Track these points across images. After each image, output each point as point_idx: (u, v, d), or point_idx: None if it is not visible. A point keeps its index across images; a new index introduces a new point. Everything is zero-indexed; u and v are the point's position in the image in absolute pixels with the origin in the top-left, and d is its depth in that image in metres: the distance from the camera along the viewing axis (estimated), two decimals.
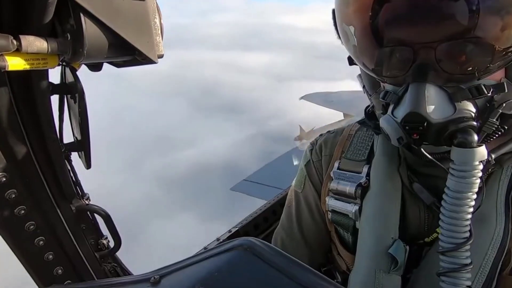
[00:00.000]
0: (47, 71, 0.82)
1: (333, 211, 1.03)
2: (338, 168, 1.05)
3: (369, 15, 0.77)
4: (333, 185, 1.03)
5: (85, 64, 0.80)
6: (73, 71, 0.86)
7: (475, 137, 0.70)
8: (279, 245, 1.19)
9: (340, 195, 1.01)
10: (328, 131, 1.23)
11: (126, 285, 0.71)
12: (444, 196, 0.73)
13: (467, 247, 0.71)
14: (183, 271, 0.66)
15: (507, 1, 0.69)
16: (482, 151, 0.69)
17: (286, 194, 1.27)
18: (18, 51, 0.60)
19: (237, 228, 1.99)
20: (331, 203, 1.03)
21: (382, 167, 0.96)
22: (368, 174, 0.98)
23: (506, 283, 0.77)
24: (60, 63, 0.68)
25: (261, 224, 2.11)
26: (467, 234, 0.71)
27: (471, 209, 0.71)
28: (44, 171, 0.94)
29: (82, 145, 0.97)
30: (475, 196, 0.71)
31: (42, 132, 0.89)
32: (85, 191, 1.06)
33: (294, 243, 1.15)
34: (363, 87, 0.95)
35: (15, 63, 0.60)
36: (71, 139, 1.02)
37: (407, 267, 0.87)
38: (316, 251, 1.14)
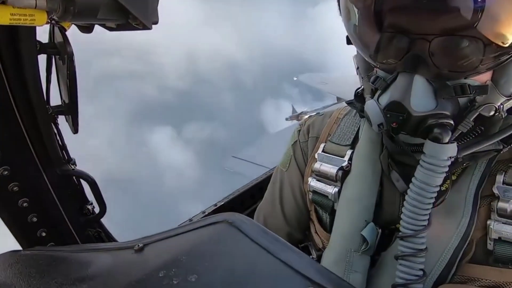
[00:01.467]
0: (34, 29, 0.78)
1: (314, 192, 1.07)
2: (323, 151, 1.09)
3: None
4: (316, 166, 1.06)
5: (75, 24, 0.76)
6: (63, 31, 0.82)
7: (449, 134, 0.74)
8: (261, 220, 1.24)
9: (322, 177, 1.05)
10: (317, 113, 1.26)
11: (110, 251, 0.72)
12: (410, 185, 0.77)
13: (424, 234, 0.77)
14: (167, 241, 0.67)
15: (505, 4, 0.69)
16: (452, 148, 0.74)
17: (272, 174, 1.29)
18: (3, 4, 0.57)
19: (223, 203, 2.02)
20: (313, 184, 1.07)
21: (365, 153, 1.00)
22: (350, 159, 1.02)
23: (465, 270, 0.82)
24: (49, 21, 0.65)
25: (247, 200, 2.14)
26: (426, 223, 0.77)
27: (433, 200, 0.76)
28: (30, 133, 0.92)
29: (70, 109, 0.95)
30: (438, 188, 0.75)
31: (29, 93, 0.86)
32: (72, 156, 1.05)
33: (275, 219, 1.20)
34: (357, 68, 0.96)
35: (0, 17, 0.57)
36: (59, 102, 0.99)
37: (377, 249, 0.92)
38: (295, 229, 1.20)
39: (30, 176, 0.96)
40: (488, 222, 0.80)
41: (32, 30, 0.78)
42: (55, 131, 0.99)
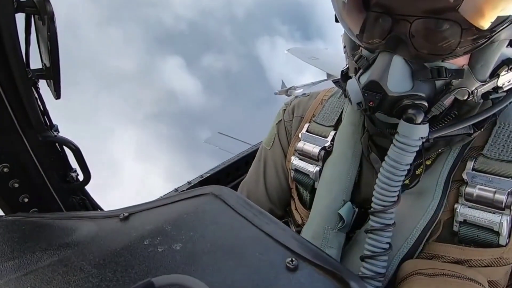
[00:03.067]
0: None
1: (296, 170, 1.10)
2: (307, 130, 1.11)
3: None
4: (300, 145, 1.09)
5: None
6: None
7: (422, 115, 0.76)
8: (244, 195, 1.28)
9: (305, 156, 1.08)
10: (304, 94, 1.28)
11: (95, 219, 0.72)
12: (383, 163, 0.82)
13: (393, 210, 0.82)
14: (152, 211, 0.68)
15: None
16: (424, 129, 0.77)
17: (259, 147, 1.31)
18: None
19: (209, 174, 2.04)
20: (295, 162, 1.10)
21: (347, 135, 1.03)
22: (333, 140, 1.05)
23: (430, 247, 0.88)
24: None
25: (232, 173, 2.17)
26: (395, 199, 0.82)
27: (402, 178, 0.80)
28: (9, 96, 0.88)
29: (51, 72, 0.91)
30: (408, 167, 0.80)
31: (6, 54, 0.82)
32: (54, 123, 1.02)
33: (258, 196, 1.24)
34: (344, 47, 0.96)
35: None
36: (39, 66, 0.95)
37: (353, 227, 0.97)
38: (276, 205, 1.24)
39: (10, 141, 0.93)
40: (456, 205, 0.85)
41: None
42: (36, 96, 0.96)
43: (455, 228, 0.85)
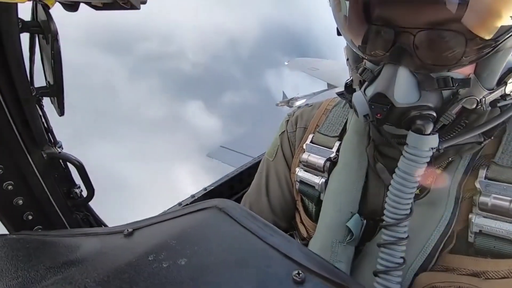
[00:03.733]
0: (16, 6, 0.75)
1: (301, 182, 1.09)
2: (311, 142, 1.10)
3: None
4: (304, 157, 1.08)
5: (59, 2, 0.73)
6: (46, 9, 0.79)
7: (431, 126, 0.76)
8: (247, 207, 1.25)
9: (310, 167, 1.07)
10: (306, 104, 1.27)
11: (99, 235, 0.72)
12: (393, 175, 0.80)
13: (406, 223, 0.80)
14: (157, 226, 0.67)
15: (488, 0, 0.70)
16: (434, 140, 0.76)
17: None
18: None
19: (212, 187, 2.02)
20: (300, 174, 1.08)
21: (352, 145, 1.02)
22: (338, 150, 1.04)
23: (445, 259, 0.86)
24: None
25: (236, 185, 2.16)
26: (408, 211, 0.80)
27: (414, 190, 0.78)
28: (13, 114, 0.89)
29: (55, 90, 0.92)
30: (419, 178, 0.78)
31: (11, 73, 0.83)
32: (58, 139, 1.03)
33: (261, 208, 1.22)
34: (347, 60, 0.96)
35: None
36: (43, 84, 0.96)
37: (362, 240, 0.95)
38: (280, 218, 1.22)
39: (15, 158, 0.94)
40: (470, 216, 0.83)
41: (13, 7, 0.75)
42: (40, 113, 0.97)
43: (470, 239, 0.82)
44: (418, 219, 0.86)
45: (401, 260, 0.81)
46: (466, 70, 0.78)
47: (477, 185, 0.83)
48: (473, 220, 0.82)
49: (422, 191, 0.89)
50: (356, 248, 0.95)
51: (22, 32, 0.82)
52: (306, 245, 1.05)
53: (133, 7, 0.69)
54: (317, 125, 1.14)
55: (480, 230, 0.81)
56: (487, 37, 0.72)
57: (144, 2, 0.71)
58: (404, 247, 0.81)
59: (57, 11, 0.74)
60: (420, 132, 0.75)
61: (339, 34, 0.90)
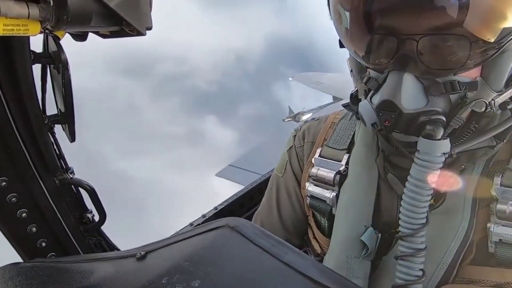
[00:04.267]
0: (28, 38, 0.78)
1: (312, 197, 1.07)
2: (320, 155, 1.09)
3: (362, 1, 0.78)
4: (314, 171, 1.07)
5: (69, 33, 0.76)
6: (57, 40, 0.82)
7: (441, 131, 0.74)
8: (258, 225, 1.23)
9: (320, 182, 1.06)
10: (313, 118, 1.27)
11: (112, 260, 0.71)
12: (406, 183, 0.78)
13: (423, 232, 0.77)
14: (169, 248, 0.67)
15: (489, 2, 0.70)
16: (445, 144, 0.75)
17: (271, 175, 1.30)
18: None
19: (223, 206, 2.01)
20: (310, 188, 1.07)
21: (361, 157, 1.00)
22: (347, 163, 1.03)
23: (466, 271, 0.82)
24: (43, 30, 0.65)
25: (246, 203, 2.14)
26: (424, 220, 0.77)
27: (429, 197, 0.76)
28: (27, 143, 0.91)
29: (66, 117, 0.94)
30: (433, 185, 0.75)
31: (24, 103, 0.86)
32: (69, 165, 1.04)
33: (272, 225, 1.20)
34: (351, 71, 0.97)
35: None
36: (55, 111, 0.98)
37: (378, 254, 0.92)
38: (292, 234, 1.20)
39: (28, 186, 0.95)
40: (488, 225, 0.80)
41: (25, 40, 0.78)
42: (52, 140, 0.99)
43: (491, 250, 0.79)
44: (435, 229, 0.83)
45: (420, 273, 0.78)
46: (472, 73, 0.77)
47: (493, 193, 0.81)
48: (491, 229, 0.79)
49: (437, 201, 0.87)
50: (372, 263, 0.92)
51: (34, 63, 0.85)
52: (321, 261, 1.02)
53: (139, 33, 0.71)
54: (324, 138, 1.14)
55: (500, 240, 0.78)
56: (491, 39, 0.71)
57: (150, 28, 0.73)
58: (423, 259, 0.78)
59: (72, 43, 0.77)
60: (431, 137, 0.74)
61: (341, 46, 0.91)
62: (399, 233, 0.79)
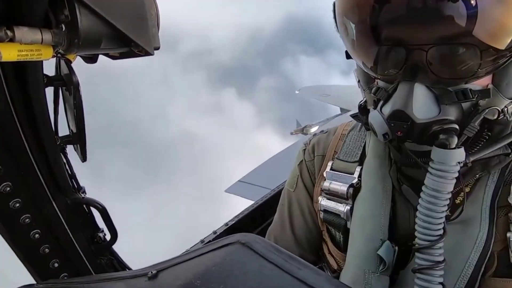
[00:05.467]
0: (41, 62, 0.80)
1: (325, 211, 1.05)
2: (331, 169, 1.08)
3: (369, 13, 0.78)
4: (326, 185, 1.05)
5: (80, 56, 0.78)
6: (68, 63, 0.85)
7: (455, 139, 0.73)
8: (270, 241, 1.21)
9: (332, 195, 1.04)
10: (321, 131, 1.26)
11: (124, 279, 0.71)
12: (421, 194, 0.76)
13: (441, 244, 0.75)
14: (180, 266, 0.66)
15: (498, 10, 0.69)
16: (460, 153, 0.73)
17: (283, 188, 1.28)
18: (11, 41, 0.58)
19: (233, 222, 2.00)
20: (324, 203, 1.05)
21: (374, 169, 0.99)
22: (360, 175, 1.01)
23: (489, 284, 0.79)
24: (55, 54, 0.67)
25: (257, 218, 2.12)
26: (441, 232, 0.75)
27: (445, 208, 0.74)
28: (39, 164, 0.93)
29: (78, 137, 0.96)
30: (449, 195, 0.74)
31: (37, 125, 0.88)
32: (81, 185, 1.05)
33: (286, 241, 1.18)
34: (358, 81, 0.96)
35: (8, 54, 0.59)
36: (67, 132, 1.00)
37: (396, 268, 0.89)
38: (307, 250, 1.17)
39: (41, 207, 0.96)
40: (508, 234, 0.78)
41: (39, 64, 0.81)
42: (64, 161, 1.00)
43: None
44: (453, 241, 0.81)
45: (440, 286, 0.75)
46: (484, 81, 0.76)
47: (511, 201, 0.78)
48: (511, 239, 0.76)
49: (453, 211, 0.84)
50: (390, 278, 0.89)
51: (47, 86, 0.88)
52: (337, 277, 0.99)
53: (148, 53, 0.73)
54: (335, 151, 1.12)
55: None
56: (501, 47, 0.71)
57: (157, 48, 0.75)
58: (442, 272, 0.75)
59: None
60: (445, 146, 0.72)
61: (348, 57, 0.91)
62: (416, 245, 0.77)
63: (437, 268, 0.75)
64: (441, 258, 0.75)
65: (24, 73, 0.79)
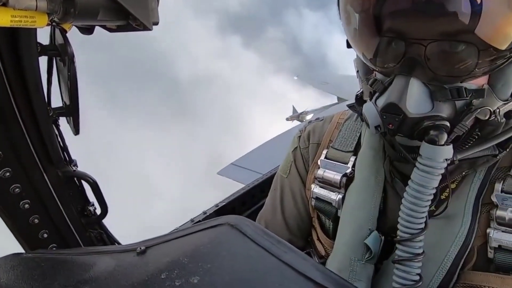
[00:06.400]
0: (35, 30, 0.78)
1: (317, 198, 1.07)
2: (326, 157, 1.08)
3: (372, 3, 0.77)
4: (320, 173, 1.06)
5: (76, 26, 0.76)
6: (63, 33, 0.82)
7: (445, 136, 0.74)
8: (259, 224, 1.23)
9: (325, 184, 1.05)
10: (317, 118, 1.26)
11: (112, 253, 0.72)
12: (407, 188, 0.78)
13: (421, 237, 0.77)
14: (169, 244, 0.67)
15: (501, 10, 0.69)
16: (448, 150, 0.74)
17: (275, 173, 1.29)
18: (4, 6, 0.56)
19: (224, 203, 2.02)
20: (316, 190, 1.06)
21: (368, 160, 1.00)
22: (354, 165, 1.02)
23: (467, 277, 0.82)
24: (50, 23, 0.65)
25: (248, 201, 2.14)
26: (422, 226, 0.77)
27: (429, 203, 0.76)
28: (31, 134, 0.92)
29: (71, 110, 0.95)
30: (434, 190, 0.75)
31: (29, 94, 0.86)
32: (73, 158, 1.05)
33: (276, 226, 1.20)
34: (357, 72, 0.96)
35: (1, 19, 0.57)
36: (60, 104, 0.99)
37: (382, 258, 0.92)
38: (296, 235, 1.20)
39: (31, 177, 0.96)
40: (488, 230, 0.80)
41: (32, 32, 0.78)
42: (56, 133, 0.99)
43: (490, 255, 0.79)
44: (435, 235, 0.83)
45: (417, 277, 0.78)
46: (480, 81, 0.76)
47: (494, 199, 0.80)
48: (491, 235, 0.79)
49: (438, 207, 0.86)
50: (375, 266, 0.92)
51: (40, 55, 0.86)
52: (324, 263, 1.02)
53: (146, 28, 0.71)
54: (330, 140, 1.13)
55: (499, 245, 0.78)
56: (502, 47, 0.71)
57: (156, 23, 0.73)
58: (420, 263, 0.78)
59: None
60: (434, 142, 0.73)
61: (349, 46, 0.90)
62: (398, 237, 0.79)
63: (416, 260, 0.77)
64: (420, 251, 0.78)
65: (17, 40, 0.77)
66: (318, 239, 1.11)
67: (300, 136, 1.22)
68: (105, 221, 1.13)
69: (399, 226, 0.79)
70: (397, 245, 0.80)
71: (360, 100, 0.96)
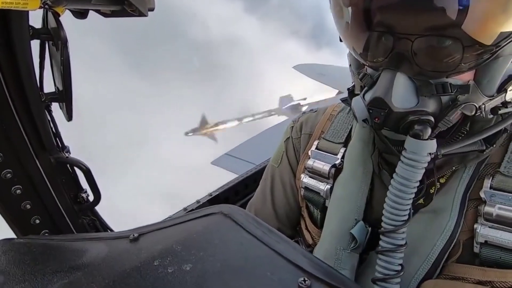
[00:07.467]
0: (27, 13, 0.76)
1: (306, 188, 1.08)
2: (316, 148, 1.10)
3: None
4: (309, 163, 1.08)
5: (69, 9, 0.75)
6: (56, 16, 0.81)
7: (429, 131, 0.75)
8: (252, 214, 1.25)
9: (315, 174, 1.07)
10: (311, 109, 1.27)
11: (105, 240, 0.72)
12: (391, 181, 0.79)
13: (404, 229, 0.79)
14: (162, 231, 0.67)
15: (488, 5, 0.69)
16: (432, 145, 0.75)
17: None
18: None
19: (217, 193, 2.03)
20: (306, 180, 1.08)
21: (357, 152, 1.01)
22: (343, 157, 1.04)
23: (450, 269, 0.85)
24: (42, 6, 0.63)
25: (241, 191, 2.15)
26: (406, 218, 0.78)
27: (413, 195, 0.77)
28: (23, 119, 0.91)
29: (64, 96, 0.94)
30: (417, 184, 0.77)
31: (21, 79, 0.85)
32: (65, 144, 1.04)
33: (266, 215, 1.22)
34: (350, 65, 0.96)
35: None
36: (53, 89, 0.97)
37: (368, 248, 0.94)
38: (285, 224, 1.22)
39: (23, 163, 0.95)
40: (475, 226, 0.82)
41: (24, 14, 0.76)
42: (49, 119, 0.98)
43: (476, 250, 0.81)
44: (423, 227, 0.85)
45: (399, 267, 0.80)
46: (465, 77, 0.77)
47: (482, 195, 0.82)
48: (478, 230, 0.81)
49: (427, 200, 0.88)
50: (361, 256, 0.94)
51: (32, 39, 0.84)
52: (311, 252, 1.04)
53: (141, 14, 0.70)
54: (322, 131, 1.14)
55: (485, 241, 0.80)
56: (487, 43, 0.71)
57: (152, 9, 0.72)
58: (402, 254, 0.80)
59: None
60: (418, 137, 0.75)
61: (341, 40, 0.91)
62: (382, 228, 0.81)
63: (398, 251, 0.79)
64: (403, 242, 0.79)
65: (9, 23, 0.75)
66: (307, 228, 1.13)
67: (293, 127, 1.23)
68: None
69: (383, 218, 0.80)
70: (381, 236, 0.81)
71: (352, 93, 0.97)
